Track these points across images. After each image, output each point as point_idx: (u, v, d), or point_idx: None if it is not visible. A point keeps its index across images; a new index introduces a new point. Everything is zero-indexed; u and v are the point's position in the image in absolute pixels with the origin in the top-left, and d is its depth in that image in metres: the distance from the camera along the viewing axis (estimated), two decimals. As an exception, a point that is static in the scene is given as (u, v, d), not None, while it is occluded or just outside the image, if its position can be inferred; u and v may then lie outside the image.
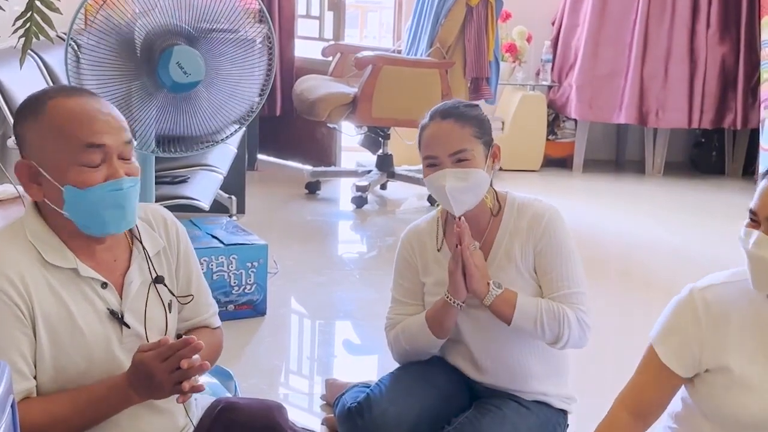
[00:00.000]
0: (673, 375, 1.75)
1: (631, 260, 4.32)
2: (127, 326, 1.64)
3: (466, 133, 2.08)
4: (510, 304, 2.05)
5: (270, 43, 3.36)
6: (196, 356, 1.54)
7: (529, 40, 6.05)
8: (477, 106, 2.17)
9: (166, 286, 1.72)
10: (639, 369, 1.81)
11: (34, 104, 1.60)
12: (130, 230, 1.71)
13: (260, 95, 3.56)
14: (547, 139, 6.19)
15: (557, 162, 6.27)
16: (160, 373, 1.53)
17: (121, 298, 1.65)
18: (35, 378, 1.57)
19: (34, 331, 1.55)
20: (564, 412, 2.21)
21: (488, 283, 2.05)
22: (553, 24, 6.28)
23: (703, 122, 5.95)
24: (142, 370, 1.55)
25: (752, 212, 1.65)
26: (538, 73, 6.24)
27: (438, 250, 2.19)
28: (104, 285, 1.63)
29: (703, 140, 6.26)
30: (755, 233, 1.63)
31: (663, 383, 1.77)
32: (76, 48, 3.01)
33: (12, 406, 1.17)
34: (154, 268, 1.70)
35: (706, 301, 1.72)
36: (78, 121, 1.56)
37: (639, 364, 1.81)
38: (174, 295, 1.74)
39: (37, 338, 1.56)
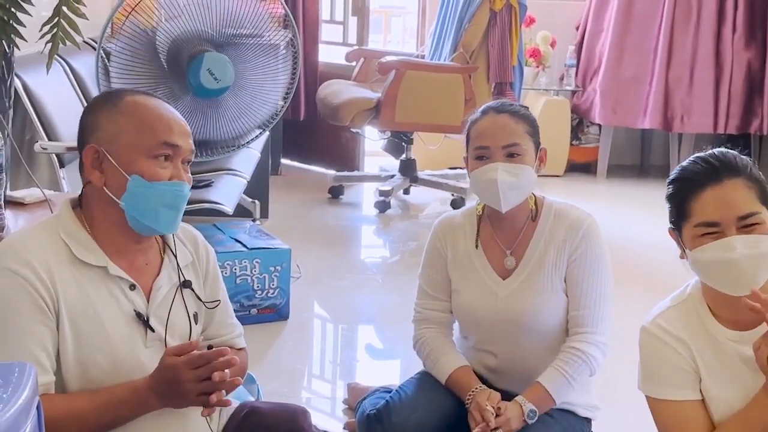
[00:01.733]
0: (691, 404, 1.73)
1: (655, 266, 4.28)
2: (152, 329, 1.65)
3: (520, 129, 2.07)
4: (547, 399, 2.05)
5: (294, 47, 3.38)
6: (227, 371, 1.54)
7: (552, 44, 6.03)
8: (528, 108, 2.16)
9: (193, 290, 1.73)
10: (663, 424, 1.77)
11: (112, 96, 1.68)
12: (164, 239, 1.73)
13: (284, 99, 3.58)
14: (571, 144, 6.17)
15: (581, 167, 6.24)
16: (187, 380, 1.53)
17: (148, 302, 1.66)
18: (56, 373, 1.58)
19: (58, 325, 1.56)
20: (588, 420, 2.19)
21: (523, 420, 2.01)
22: (577, 29, 6.26)
23: (728, 127, 5.90)
24: (169, 374, 1.55)
25: (712, 224, 1.64)
26: (561, 78, 6.22)
27: (476, 247, 2.16)
28: (132, 286, 1.64)
29: (728, 145, 6.19)
30: (736, 239, 1.62)
31: (695, 417, 1.73)
32: (103, 55, 3.04)
33: (38, 408, 1.18)
34: (182, 274, 1.72)
35: (662, 327, 1.75)
36: (158, 118, 1.63)
37: (659, 422, 1.77)
38: (200, 299, 1.75)
39: (61, 332, 1.56)
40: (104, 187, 1.62)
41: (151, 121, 1.62)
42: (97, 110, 1.66)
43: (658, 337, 1.75)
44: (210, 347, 1.58)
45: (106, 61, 3.09)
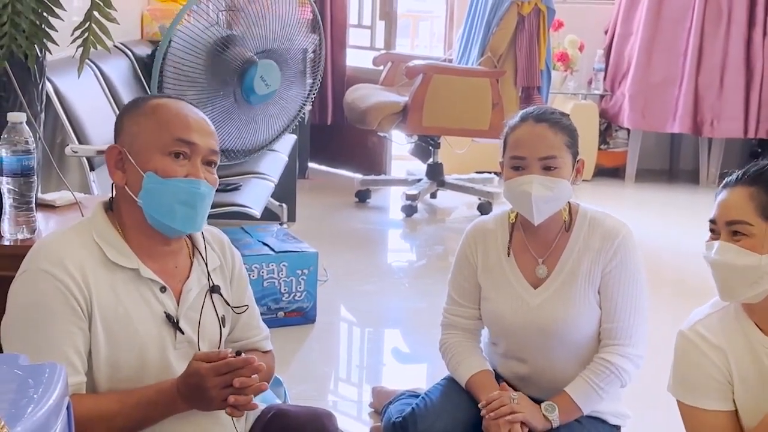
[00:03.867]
0: (722, 414, 1.72)
1: (685, 271, 4.25)
2: (182, 332, 1.66)
3: (558, 140, 2.03)
4: (573, 408, 2.04)
5: (319, 49, 3.40)
6: (255, 375, 1.55)
7: (581, 48, 6.01)
8: (568, 115, 2.12)
9: (221, 296, 1.75)
10: (692, 429, 1.76)
11: (139, 100, 1.72)
12: (194, 243, 1.75)
13: (307, 101, 3.61)
14: (599, 149, 6.14)
15: (609, 172, 6.20)
16: (212, 387, 1.54)
17: (178, 304, 1.68)
18: (87, 374, 1.59)
19: (90, 326, 1.58)
20: (618, 428, 2.17)
21: (543, 415, 2.01)
22: (605, 32, 6.23)
23: (759, 132, 5.84)
24: (195, 380, 1.56)
25: (712, 222, 1.70)
26: (590, 82, 6.19)
27: (508, 255, 2.14)
28: (163, 289, 1.66)
29: (759, 150, 6.14)
30: (716, 243, 1.68)
31: (724, 427, 1.72)
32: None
33: (68, 408, 1.19)
34: (211, 279, 1.73)
35: (700, 334, 1.74)
36: (174, 116, 1.65)
37: (688, 426, 1.77)
38: (228, 304, 1.76)
39: (93, 334, 1.58)
40: (125, 187, 1.64)
41: (167, 119, 1.64)
42: (123, 114, 1.71)
43: (695, 344, 1.74)
44: (238, 353, 1.59)
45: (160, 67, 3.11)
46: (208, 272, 1.73)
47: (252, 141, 3.63)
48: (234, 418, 1.71)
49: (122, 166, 1.65)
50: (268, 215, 4.28)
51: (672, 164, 6.49)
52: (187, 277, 1.71)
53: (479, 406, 2.04)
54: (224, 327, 1.75)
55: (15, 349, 1.53)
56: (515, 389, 2.13)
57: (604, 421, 2.12)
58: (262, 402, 1.98)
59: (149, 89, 3.34)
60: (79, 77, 2.30)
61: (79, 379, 1.57)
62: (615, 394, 2.12)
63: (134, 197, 1.63)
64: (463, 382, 2.14)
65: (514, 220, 2.16)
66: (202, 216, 1.66)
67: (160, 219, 1.63)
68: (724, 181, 1.72)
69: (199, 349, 1.66)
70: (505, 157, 2.08)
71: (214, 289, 1.73)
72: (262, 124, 3.58)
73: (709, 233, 1.71)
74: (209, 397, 1.55)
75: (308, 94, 3.82)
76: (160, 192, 1.61)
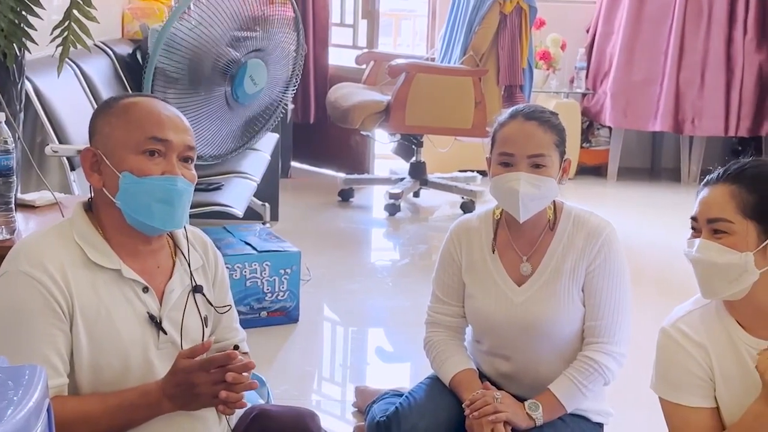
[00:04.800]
0: (703, 411, 1.72)
1: (666, 268, 4.27)
2: (164, 332, 1.65)
3: (547, 139, 2.03)
4: (557, 406, 2.04)
5: (298, 45, 3.40)
6: (245, 374, 1.55)
7: (563, 47, 6.03)
8: (557, 114, 2.13)
9: (204, 295, 1.74)
10: (674, 426, 1.77)
11: (111, 101, 1.70)
12: (175, 243, 1.74)
13: (284, 95, 3.61)
14: (581, 147, 6.16)
15: (591, 170, 6.23)
16: (202, 384, 1.54)
17: (161, 305, 1.67)
18: (69, 375, 1.58)
19: (72, 328, 1.57)
20: (600, 426, 2.18)
21: (527, 414, 2.02)
22: (587, 31, 6.25)
23: (740, 130, 5.89)
24: (182, 378, 1.55)
25: (693, 219, 1.71)
26: (572, 81, 6.21)
27: (493, 252, 2.14)
28: (146, 289, 1.65)
29: (739, 148, 6.19)
30: (697, 241, 1.68)
31: (705, 425, 1.73)
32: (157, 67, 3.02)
33: (48, 410, 1.18)
34: (194, 279, 1.72)
35: (682, 332, 1.74)
36: (146, 114, 1.63)
37: (670, 423, 1.77)
38: (211, 304, 1.76)
39: (75, 335, 1.57)
40: (103, 188, 1.63)
41: (139, 118, 1.63)
42: (95, 115, 1.69)
43: (677, 341, 1.74)
44: (236, 347, 1.60)
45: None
46: (191, 272, 1.72)
47: (241, 139, 3.63)
48: (216, 418, 1.71)
49: (98, 168, 1.64)
50: (251, 215, 4.27)
51: (653, 162, 6.53)
52: (170, 277, 1.70)
53: (463, 405, 2.04)
54: (207, 327, 1.74)
55: None
56: (499, 387, 2.14)
57: (587, 419, 2.13)
58: (245, 401, 1.98)
59: (129, 88, 3.32)
60: (58, 76, 2.29)
61: (61, 381, 1.56)
62: (598, 392, 2.12)
63: (112, 198, 1.62)
64: (447, 381, 2.14)
65: (499, 217, 2.16)
66: (181, 213, 1.65)
67: (139, 218, 1.62)
68: (705, 179, 1.73)
69: (183, 349, 1.65)
70: (493, 154, 2.08)
71: (197, 289, 1.72)
72: (249, 121, 3.57)
73: (691, 231, 1.72)
74: (198, 393, 1.55)
75: (287, 89, 3.82)
76: (137, 191, 1.60)
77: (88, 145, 1.66)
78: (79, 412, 1.55)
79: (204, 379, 1.54)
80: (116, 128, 1.62)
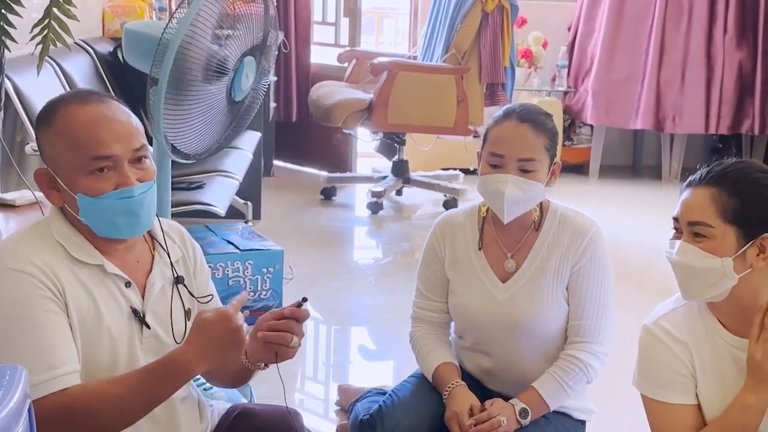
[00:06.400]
0: (685, 407, 1.73)
1: (648, 266, 4.29)
2: (148, 327, 1.64)
3: (539, 143, 2.03)
4: (541, 404, 2.05)
5: (276, 43, 3.37)
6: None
7: (544, 45, 6.04)
8: (552, 116, 2.12)
9: (186, 287, 1.73)
10: (655, 423, 1.78)
11: (47, 113, 1.61)
12: (153, 237, 1.72)
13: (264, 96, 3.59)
14: (563, 145, 6.17)
15: (573, 168, 6.24)
16: (240, 326, 1.61)
17: (143, 299, 1.66)
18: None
19: (69, 321, 1.55)
20: (582, 423, 2.19)
21: (516, 419, 2.02)
22: (569, 29, 6.27)
23: (720, 128, 5.92)
24: (221, 326, 1.57)
25: (675, 220, 1.71)
26: (553, 79, 6.23)
27: (479, 248, 2.14)
28: (128, 284, 1.64)
29: (720, 146, 6.23)
30: (678, 242, 1.69)
31: (686, 422, 1.74)
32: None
33: (29, 411, 1.18)
34: (175, 270, 1.71)
35: (664, 329, 1.75)
36: (85, 132, 1.56)
37: (652, 421, 1.78)
38: (193, 295, 1.74)
39: (71, 328, 1.55)
40: (65, 205, 1.61)
41: (79, 140, 1.56)
42: (38, 131, 1.63)
43: (659, 338, 1.75)
44: (305, 299, 1.87)
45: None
46: (171, 263, 1.71)
47: (232, 136, 3.59)
48: (197, 417, 1.70)
49: (55, 186, 1.60)
50: (233, 213, 4.25)
51: (635, 160, 6.56)
52: (150, 271, 1.68)
53: (467, 423, 2.02)
54: (189, 320, 1.72)
55: (4, 354, 1.48)
56: (480, 383, 2.14)
57: (569, 416, 2.14)
58: (227, 401, 1.97)
59: (110, 86, 3.28)
60: (38, 75, 2.28)
61: (74, 367, 1.53)
62: (581, 390, 2.13)
63: (76, 216, 1.59)
64: (430, 374, 2.15)
65: (485, 214, 2.16)
66: (147, 216, 1.63)
67: (107, 233, 1.60)
68: (688, 180, 1.73)
69: (165, 344, 1.64)
70: (484, 151, 2.08)
71: (178, 280, 1.71)
72: (238, 117, 3.54)
73: (673, 230, 1.72)
74: (239, 338, 1.60)
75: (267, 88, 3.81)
76: (96, 210, 1.58)
77: (42, 166, 1.62)
78: (103, 397, 1.51)
79: (241, 321, 1.61)
80: (60, 152, 1.58)
